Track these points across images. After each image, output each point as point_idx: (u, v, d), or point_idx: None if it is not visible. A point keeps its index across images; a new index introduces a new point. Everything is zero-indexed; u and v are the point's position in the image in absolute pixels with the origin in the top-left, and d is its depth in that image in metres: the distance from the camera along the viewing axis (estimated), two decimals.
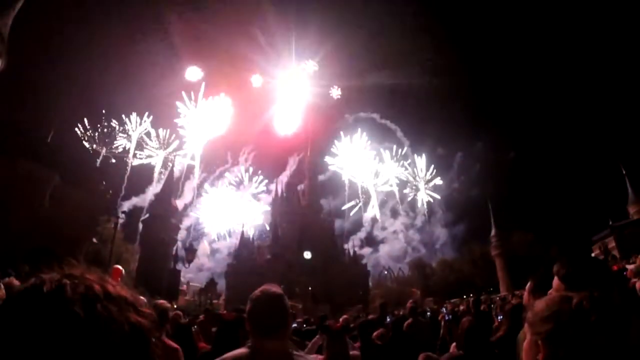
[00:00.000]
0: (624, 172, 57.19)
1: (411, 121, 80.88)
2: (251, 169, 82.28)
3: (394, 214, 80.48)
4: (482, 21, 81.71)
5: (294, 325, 10.94)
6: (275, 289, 2.58)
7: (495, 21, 79.81)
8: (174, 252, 42.31)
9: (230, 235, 77.13)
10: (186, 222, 72.80)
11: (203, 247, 74.98)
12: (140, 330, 0.86)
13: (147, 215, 56.23)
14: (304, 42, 78.37)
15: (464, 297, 38.13)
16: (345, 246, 76.25)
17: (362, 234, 79.96)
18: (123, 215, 46.50)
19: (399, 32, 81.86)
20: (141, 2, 69.73)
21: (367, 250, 77.44)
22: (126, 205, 62.41)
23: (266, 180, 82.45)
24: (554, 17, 77.61)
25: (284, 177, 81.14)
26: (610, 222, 53.83)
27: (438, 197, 78.77)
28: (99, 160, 61.87)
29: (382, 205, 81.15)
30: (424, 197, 79.56)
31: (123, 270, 15.32)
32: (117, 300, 0.86)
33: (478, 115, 78.31)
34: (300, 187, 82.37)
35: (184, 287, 55.35)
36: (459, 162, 79.34)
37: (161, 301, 5.60)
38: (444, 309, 15.80)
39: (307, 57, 79.55)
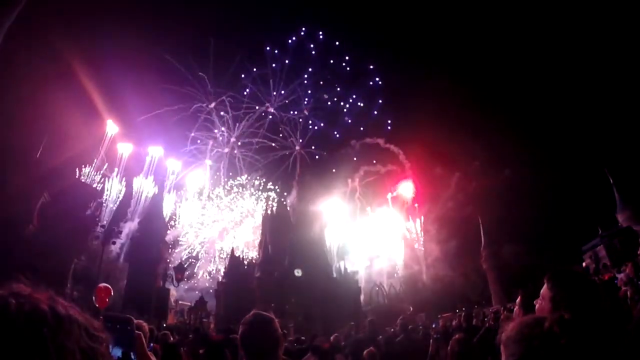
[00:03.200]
0: (611, 181, 57.80)
1: (413, 144, 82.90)
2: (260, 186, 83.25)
3: (388, 230, 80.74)
4: (477, 51, 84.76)
5: (285, 344, 10.78)
6: (266, 313, 2.64)
7: (488, 48, 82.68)
8: (163, 271, 41.83)
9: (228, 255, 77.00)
10: (186, 242, 73.34)
11: (202, 266, 74.97)
12: (92, 357, 0.80)
13: (136, 233, 55.60)
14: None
15: (457, 311, 38.03)
16: (337, 264, 76.12)
17: (354, 251, 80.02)
18: (121, 237, 46.18)
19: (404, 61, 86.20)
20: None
21: (359, 267, 77.18)
22: (129, 226, 61.91)
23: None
24: (535, 33, 79.47)
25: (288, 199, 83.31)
26: (600, 231, 54.28)
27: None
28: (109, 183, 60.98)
29: (376, 223, 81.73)
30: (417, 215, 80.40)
31: (111, 289, 15.02)
32: (67, 323, 0.80)
33: (476, 134, 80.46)
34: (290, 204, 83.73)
35: (178, 305, 54.81)
36: (456, 182, 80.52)
37: (139, 321, 5.46)
38: (434, 325, 15.68)
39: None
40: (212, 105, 78.38)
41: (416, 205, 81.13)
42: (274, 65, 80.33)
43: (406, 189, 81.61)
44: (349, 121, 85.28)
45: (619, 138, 64.33)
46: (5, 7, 22.29)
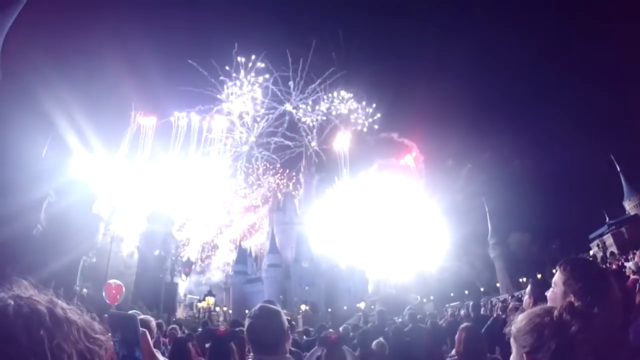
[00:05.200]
0: (618, 169, 57.49)
1: (426, 137, 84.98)
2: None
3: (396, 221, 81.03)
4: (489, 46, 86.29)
5: (294, 335, 10.86)
6: (273, 305, 2.61)
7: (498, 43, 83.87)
8: (171, 265, 42.08)
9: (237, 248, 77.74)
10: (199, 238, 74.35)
11: (215, 260, 75.67)
12: (89, 359, 0.81)
13: (145, 228, 55.95)
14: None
15: (464, 300, 38.03)
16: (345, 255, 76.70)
17: (362, 243, 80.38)
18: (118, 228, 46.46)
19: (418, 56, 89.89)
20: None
21: (367, 258, 77.39)
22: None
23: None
24: (538, 24, 79.92)
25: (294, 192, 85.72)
26: (607, 219, 54.07)
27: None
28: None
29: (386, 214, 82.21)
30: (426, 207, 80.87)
31: (123, 286, 15.07)
32: (65, 325, 0.80)
33: (487, 127, 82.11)
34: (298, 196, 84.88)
35: (188, 299, 55.16)
36: (467, 173, 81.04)
37: (145, 316, 5.48)
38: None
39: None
40: (234, 106, 79.98)
41: (424, 196, 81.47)
42: (288, 70, 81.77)
43: (410, 160, 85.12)
44: (365, 120, 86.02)
45: (625, 129, 64.03)
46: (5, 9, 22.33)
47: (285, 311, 2.81)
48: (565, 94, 77.95)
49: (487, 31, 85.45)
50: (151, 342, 1.52)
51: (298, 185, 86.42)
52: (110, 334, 0.98)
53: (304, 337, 12.07)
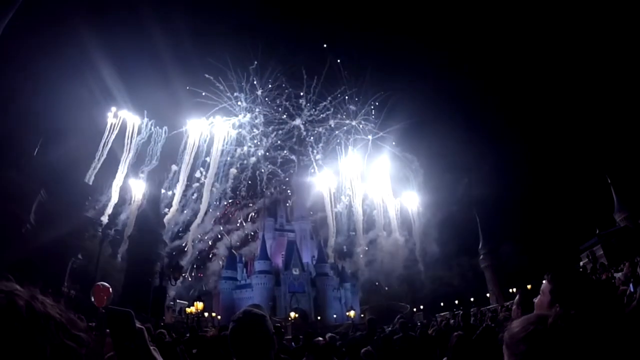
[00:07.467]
0: (609, 181, 57.92)
1: (427, 153, 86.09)
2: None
3: (388, 231, 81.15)
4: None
5: (283, 342, 10.79)
6: (257, 310, 2.50)
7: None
8: (160, 269, 41.80)
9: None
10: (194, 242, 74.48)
11: (211, 267, 75.67)
12: (66, 355, 0.81)
13: (133, 231, 55.51)
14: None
15: (454, 310, 38.04)
16: (336, 263, 76.79)
17: (354, 250, 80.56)
18: (112, 232, 46.22)
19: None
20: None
21: (357, 266, 77.47)
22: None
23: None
24: (537, 42, 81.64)
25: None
26: (598, 231, 54.29)
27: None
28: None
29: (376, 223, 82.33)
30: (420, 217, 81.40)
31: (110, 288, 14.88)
32: (42, 319, 0.80)
33: (484, 141, 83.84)
34: (289, 203, 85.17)
35: (177, 304, 54.74)
36: (465, 187, 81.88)
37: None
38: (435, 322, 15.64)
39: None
40: (246, 119, 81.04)
41: (420, 208, 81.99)
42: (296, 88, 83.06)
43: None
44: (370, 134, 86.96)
45: (617, 139, 64.73)
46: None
47: (276, 318, 2.74)
48: (559, 106, 78.72)
49: (487, 53, 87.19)
50: (148, 340, 1.49)
51: (290, 192, 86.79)
52: (99, 330, 0.98)
53: (292, 344, 12.01)
